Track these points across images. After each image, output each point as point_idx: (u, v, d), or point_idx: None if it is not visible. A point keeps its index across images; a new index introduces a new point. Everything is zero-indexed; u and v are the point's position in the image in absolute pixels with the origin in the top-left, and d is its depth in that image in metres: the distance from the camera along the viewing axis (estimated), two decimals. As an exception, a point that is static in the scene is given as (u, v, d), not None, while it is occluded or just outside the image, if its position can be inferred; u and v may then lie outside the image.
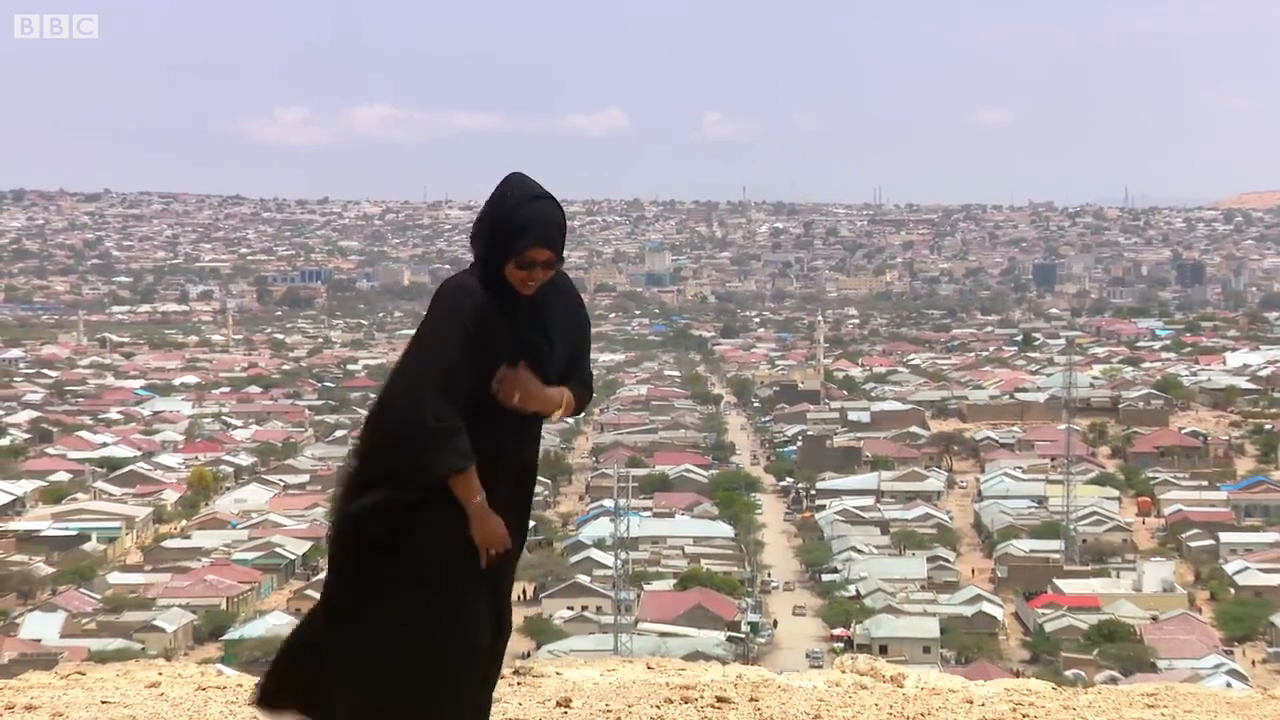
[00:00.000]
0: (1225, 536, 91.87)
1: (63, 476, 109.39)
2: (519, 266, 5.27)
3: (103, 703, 7.52)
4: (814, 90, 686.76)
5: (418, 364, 5.30)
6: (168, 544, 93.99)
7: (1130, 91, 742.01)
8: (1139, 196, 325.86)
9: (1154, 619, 75.10)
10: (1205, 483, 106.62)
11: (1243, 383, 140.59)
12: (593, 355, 5.80)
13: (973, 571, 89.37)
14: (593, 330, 5.81)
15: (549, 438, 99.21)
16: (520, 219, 5.25)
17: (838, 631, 75.35)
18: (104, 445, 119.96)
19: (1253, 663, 70.52)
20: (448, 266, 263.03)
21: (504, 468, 5.43)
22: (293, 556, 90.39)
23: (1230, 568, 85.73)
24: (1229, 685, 35.26)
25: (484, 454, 5.33)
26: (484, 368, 5.29)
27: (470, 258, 5.41)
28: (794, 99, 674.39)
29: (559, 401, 5.41)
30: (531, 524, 6.16)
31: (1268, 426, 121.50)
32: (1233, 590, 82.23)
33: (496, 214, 5.31)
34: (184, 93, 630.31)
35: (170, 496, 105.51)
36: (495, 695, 5.67)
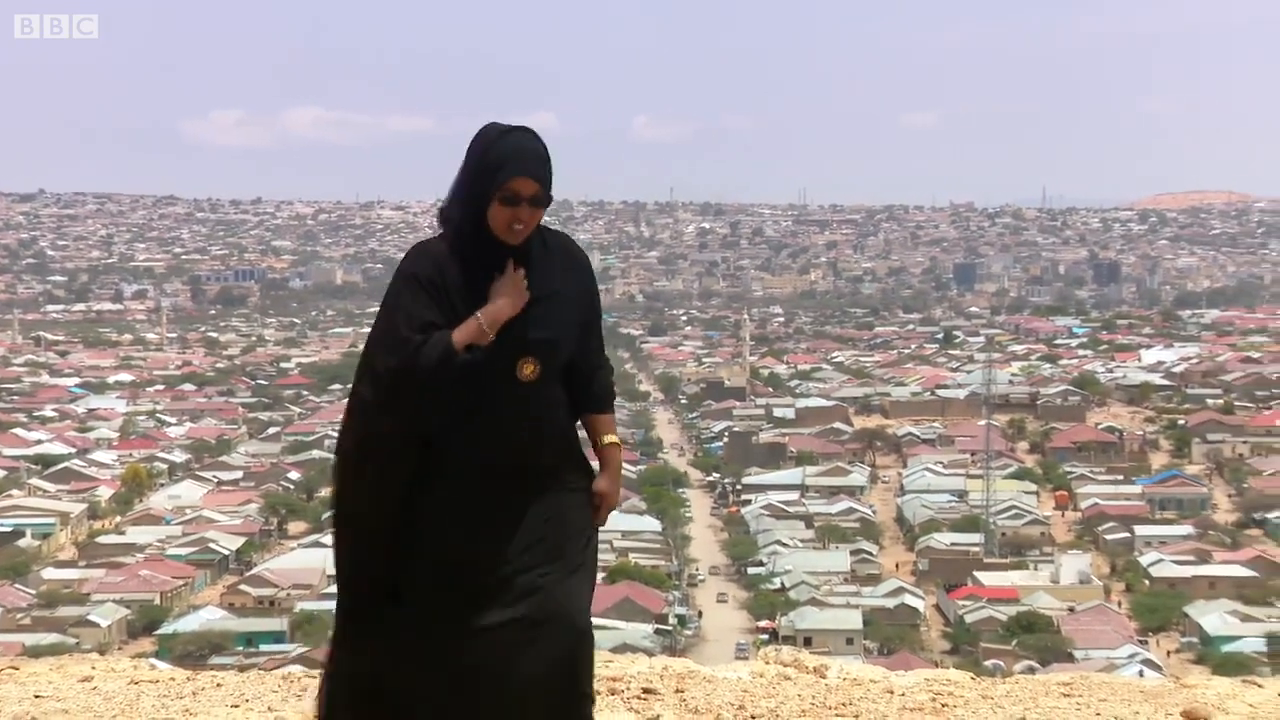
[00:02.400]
0: (1140, 529, 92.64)
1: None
2: (504, 203, 4.61)
3: (36, 697, 7.35)
4: (741, 93, 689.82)
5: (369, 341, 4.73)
6: (102, 540, 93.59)
7: (1048, 95, 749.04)
8: (1057, 197, 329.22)
9: (1071, 610, 75.41)
10: (1121, 477, 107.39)
11: (1157, 379, 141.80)
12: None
13: (896, 565, 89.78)
14: None
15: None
16: (498, 151, 4.62)
17: (763, 624, 75.58)
18: (39, 442, 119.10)
19: (1167, 653, 70.89)
20: (380, 266, 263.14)
21: (501, 464, 4.69)
22: (226, 552, 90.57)
23: (1145, 560, 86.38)
24: (1141, 674, 36.56)
25: (466, 448, 4.66)
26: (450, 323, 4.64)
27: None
28: (722, 102, 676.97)
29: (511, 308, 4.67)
30: None
31: (1181, 422, 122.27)
32: (1147, 582, 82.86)
33: (471, 157, 4.67)
34: (119, 93, 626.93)
35: (105, 493, 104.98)
36: None
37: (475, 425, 4.64)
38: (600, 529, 5.03)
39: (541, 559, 4.71)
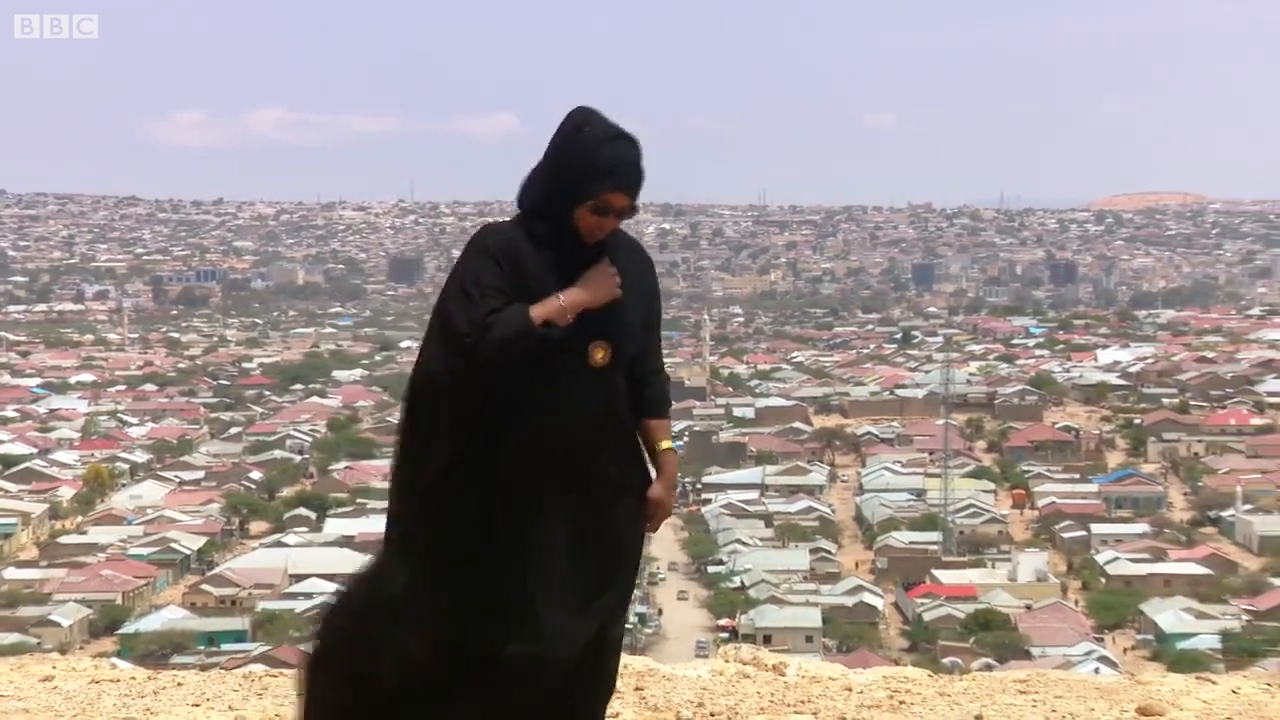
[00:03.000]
0: (1096, 528, 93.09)
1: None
2: (594, 212, 4.59)
3: (-4, 696, 7.38)
4: (701, 94, 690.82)
5: (435, 315, 4.59)
6: (64, 540, 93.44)
7: (1006, 97, 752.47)
8: (1014, 198, 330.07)
9: (1028, 608, 75.82)
10: (1077, 476, 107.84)
11: (1113, 379, 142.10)
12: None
13: (855, 564, 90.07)
14: None
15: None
16: (602, 159, 4.54)
17: (723, 622, 75.79)
18: (0, 443, 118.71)
19: (1123, 650, 71.68)
20: (341, 267, 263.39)
21: (557, 468, 4.55)
22: (188, 552, 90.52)
23: (1101, 558, 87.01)
24: (1098, 671, 36.61)
25: (529, 448, 4.53)
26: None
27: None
28: (681, 102, 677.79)
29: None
30: None
31: (1137, 421, 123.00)
32: (1103, 580, 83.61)
33: (571, 150, 4.57)
34: (81, 93, 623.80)
35: (66, 493, 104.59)
36: None
37: (538, 408, 4.52)
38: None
39: (592, 590, 4.62)
